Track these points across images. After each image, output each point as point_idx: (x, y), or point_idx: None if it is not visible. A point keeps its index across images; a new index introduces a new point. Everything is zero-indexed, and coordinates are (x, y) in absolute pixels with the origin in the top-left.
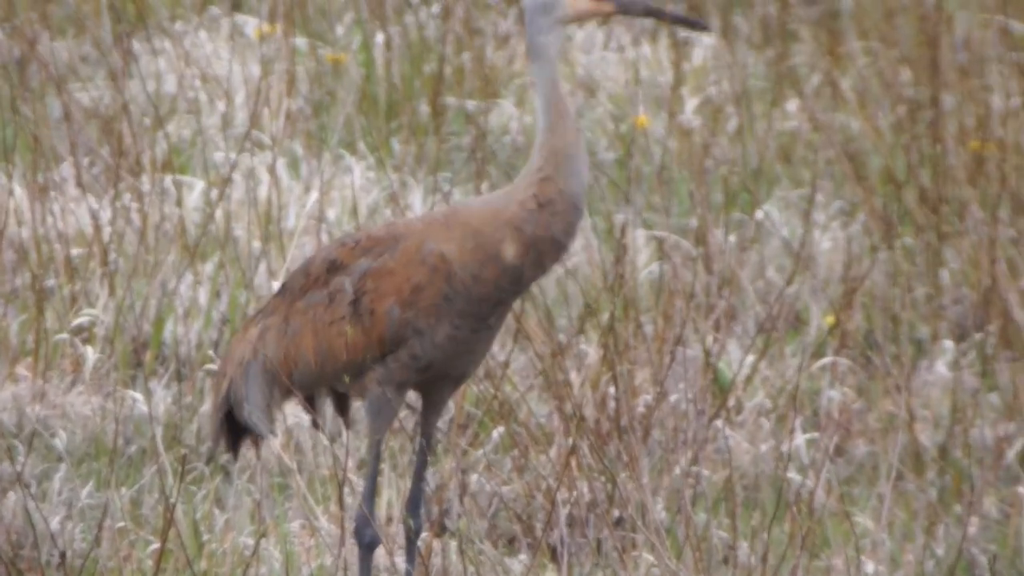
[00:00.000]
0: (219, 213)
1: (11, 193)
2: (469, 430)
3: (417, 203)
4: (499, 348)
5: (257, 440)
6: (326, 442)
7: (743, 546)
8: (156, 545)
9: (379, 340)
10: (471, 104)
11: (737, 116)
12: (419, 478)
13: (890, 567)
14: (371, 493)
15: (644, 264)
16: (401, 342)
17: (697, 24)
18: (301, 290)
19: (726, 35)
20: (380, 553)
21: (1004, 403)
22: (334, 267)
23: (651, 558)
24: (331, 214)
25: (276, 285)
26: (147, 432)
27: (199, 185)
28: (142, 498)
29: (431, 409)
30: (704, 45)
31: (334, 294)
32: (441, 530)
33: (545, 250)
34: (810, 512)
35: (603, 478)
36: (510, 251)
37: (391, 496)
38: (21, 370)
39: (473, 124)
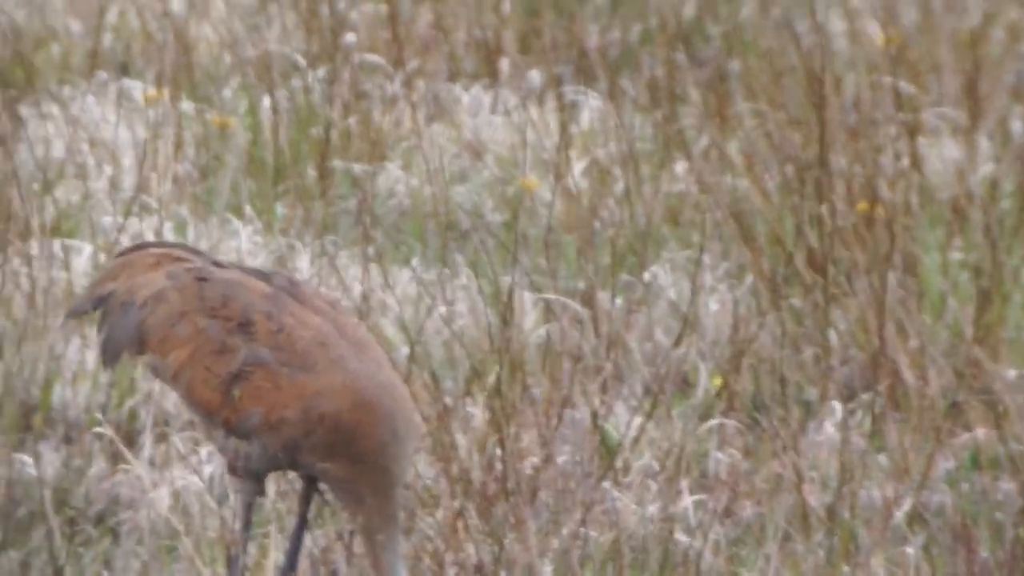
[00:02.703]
0: None
1: None
2: None
3: (304, 266)
4: None
5: None
6: (213, 505)
7: None
8: None
9: (226, 422)
10: (358, 167)
11: (624, 178)
12: (296, 540)
13: None
14: (237, 558)
15: (531, 327)
16: (246, 437)
17: None
18: (211, 308)
19: (613, 97)
20: None
21: (892, 464)
22: (244, 329)
23: None
24: None
25: None
26: (36, 495)
27: (87, 249)
28: (31, 561)
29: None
30: (591, 108)
31: (226, 348)
32: None
33: None
34: (697, 573)
35: (490, 540)
36: None
37: (278, 558)
38: None
39: (359, 187)
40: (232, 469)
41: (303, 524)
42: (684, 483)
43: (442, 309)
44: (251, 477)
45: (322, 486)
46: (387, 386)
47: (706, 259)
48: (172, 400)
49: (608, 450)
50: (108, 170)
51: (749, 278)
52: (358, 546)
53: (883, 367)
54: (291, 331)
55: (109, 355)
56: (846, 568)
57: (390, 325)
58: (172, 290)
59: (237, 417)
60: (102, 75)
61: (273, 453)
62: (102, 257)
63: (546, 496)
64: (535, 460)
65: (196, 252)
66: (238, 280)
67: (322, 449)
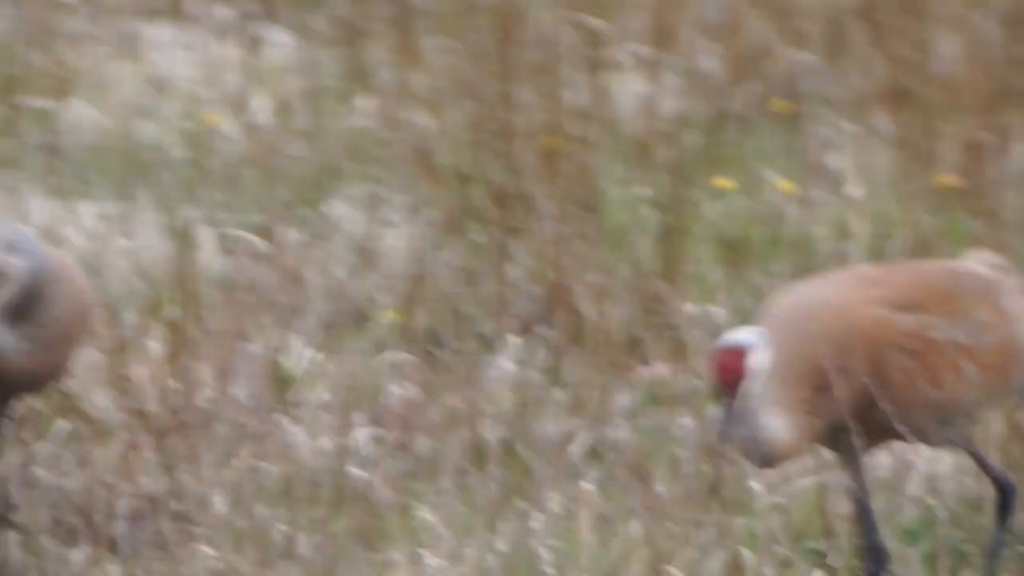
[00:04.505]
0: None
1: None
2: (32, 423)
3: None
4: None
5: None
6: None
7: (303, 539)
8: None
9: None
10: (44, 103)
11: (309, 114)
12: None
13: (451, 561)
14: None
15: (210, 261)
16: None
17: None
18: None
19: (300, 33)
20: None
21: (570, 398)
22: None
23: (211, 551)
24: None
25: None
26: None
27: None
28: None
29: None
30: (277, 44)
31: None
32: (3, 523)
33: None
34: (370, 506)
35: (163, 471)
36: None
37: None
38: None
39: (45, 123)
40: None
41: None
42: (359, 416)
43: (123, 243)
44: None
45: None
46: None
47: (387, 194)
48: None
49: (284, 382)
50: None
51: (429, 213)
52: (35, 479)
53: (562, 301)
54: None
55: None
56: (521, 502)
57: (72, 259)
58: None
59: None
60: None
61: None
62: None
63: (221, 429)
64: (210, 393)
65: None
66: None
67: None
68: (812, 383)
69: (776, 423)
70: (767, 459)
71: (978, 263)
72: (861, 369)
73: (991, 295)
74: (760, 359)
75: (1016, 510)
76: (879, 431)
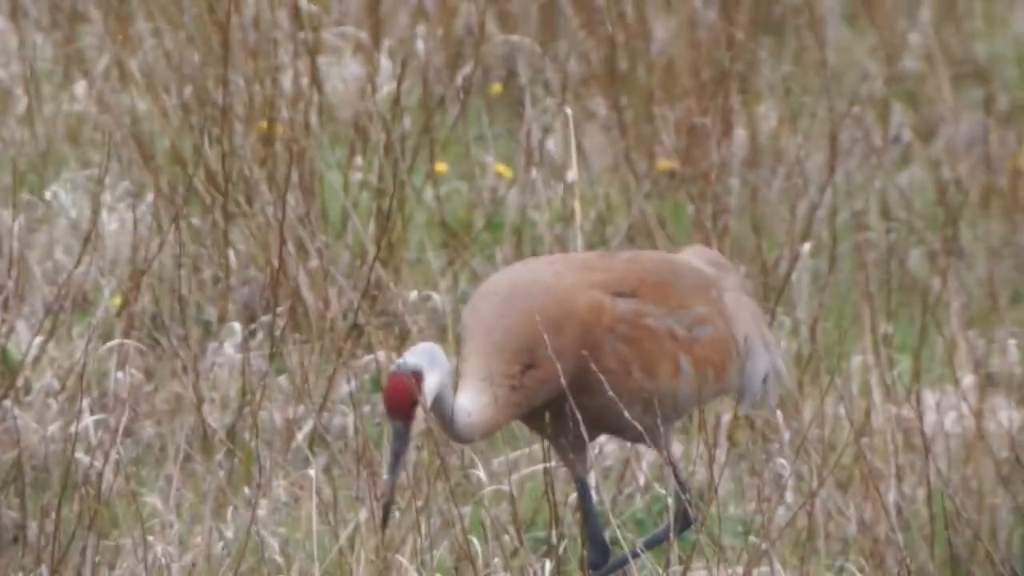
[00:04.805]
0: None
1: None
2: None
3: None
4: None
5: None
6: None
7: (32, 525)
8: None
9: None
10: None
11: (26, 98)
12: None
13: (179, 549)
14: None
15: None
16: None
17: None
18: None
19: (15, 17)
20: None
21: (293, 385)
22: None
23: None
24: None
25: None
26: None
27: None
28: None
29: None
30: None
31: None
32: None
33: None
34: (98, 492)
35: None
36: None
37: None
38: None
39: None
40: None
41: None
42: (85, 402)
43: None
44: None
45: None
46: None
47: (106, 179)
48: None
49: (9, 369)
50: None
51: (149, 197)
52: None
53: (283, 287)
54: None
55: None
56: (247, 490)
57: None
58: None
59: None
60: None
61: None
62: None
63: None
64: None
65: None
66: None
67: None
68: (522, 360)
69: (471, 397)
70: (461, 433)
71: (698, 257)
72: (574, 351)
73: (710, 290)
74: (431, 382)
75: (677, 536)
76: (590, 419)
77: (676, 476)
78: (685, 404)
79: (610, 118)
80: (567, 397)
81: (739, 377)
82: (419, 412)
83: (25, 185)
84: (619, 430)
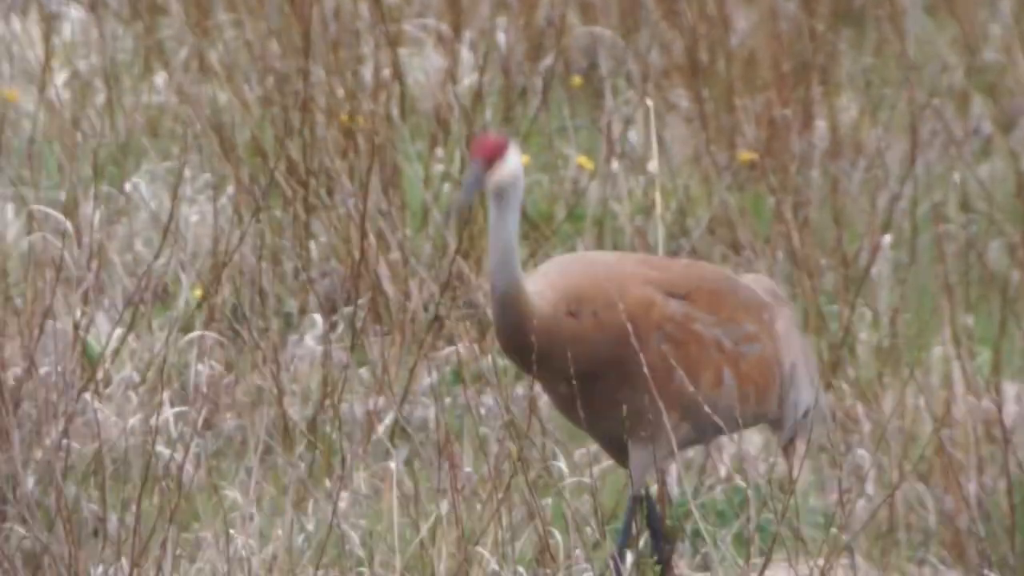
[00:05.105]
0: None
1: None
2: None
3: None
4: None
5: None
6: None
7: (113, 518)
8: None
9: None
10: None
11: (106, 90)
12: None
13: (260, 541)
14: None
15: (14, 237)
16: None
17: None
18: None
19: (94, 9)
20: None
21: (374, 377)
22: None
23: (22, 530)
24: None
25: None
26: None
27: None
28: None
29: None
30: (73, 19)
31: None
32: None
33: None
34: (179, 485)
35: None
36: None
37: None
38: None
39: None
40: None
41: None
42: (166, 395)
43: None
44: None
45: None
46: None
47: (186, 171)
48: None
49: (90, 361)
50: None
51: (230, 189)
52: None
53: (364, 279)
54: None
55: None
56: (328, 482)
57: None
58: None
59: None
60: None
61: None
62: None
63: (28, 407)
64: (17, 371)
65: None
66: None
67: None
68: (568, 303)
69: (531, 285)
70: (507, 272)
71: (756, 284)
72: (614, 335)
73: (763, 311)
74: (515, 157)
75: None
76: (601, 406)
77: (651, 513)
78: (723, 419)
79: (691, 110)
80: (600, 381)
81: (780, 406)
82: (501, 166)
83: (105, 177)
84: (632, 429)
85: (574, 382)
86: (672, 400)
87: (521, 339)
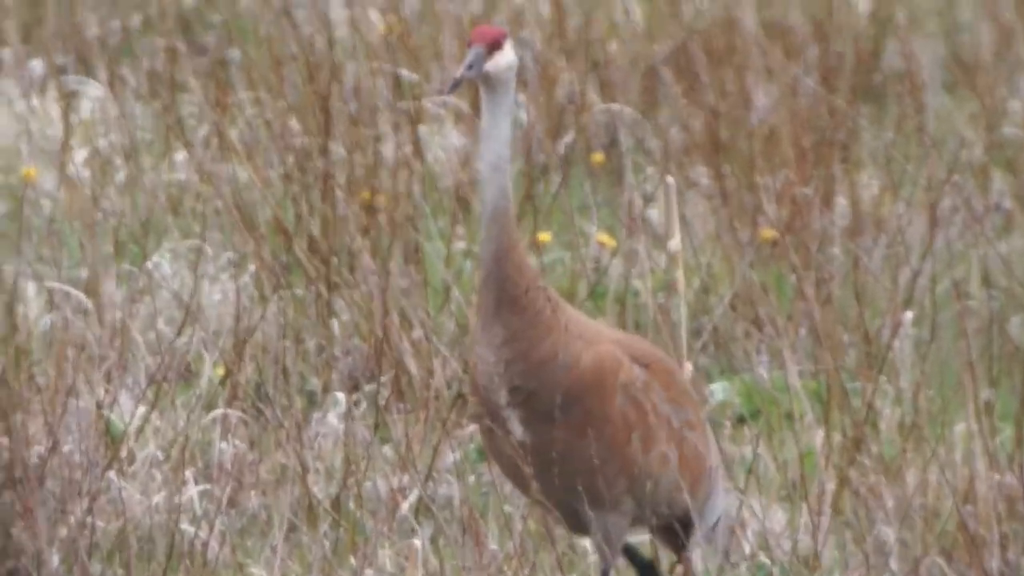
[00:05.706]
0: None
1: None
2: None
3: None
4: None
5: None
6: None
7: None
8: None
9: None
10: None
11: (126, 168)
12: None
13: None
14: None
15: (36, 315)
16: None
17: None
18: None
19: (114, 86)
20: None
21: (398, 455)
22: None
23: None
24: None
25: None
26: None
27: None
28: None
29: None
30: (93, 97)
31: None
32: None
33: None
34: (204, 563)
35: None
36: None
37: None
38: None
39: None
40: None
41: None
42: (189, 473)
43: None
44: None
45: None
46: None
47: (208, 248)
48: None
49: (113, 439)
50: None
51: (252, 267)
52: None
53: (387, 357)
54: None
55: None
56: (353, 560)
57: None
58: None
59: None
60: None
61: None
62: None
63: (52, 485)
64: (41, 449)
65: None
66: None
67: None
68: (546, 298)
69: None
70: (498, 215)
71: (638, 344)
72: (566, 380)
73: (697, 404)
74: (511, 51)
75: None
76: (567, 470)
77: (633, 556)
78: (659, 501)
79: (712, 187)
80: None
81: (701, 504)
82: (499, 55)
83: (126, 256)
84: (587, 491)
85: (529, 428)
86: (627, 465)
87: (501, 272)
